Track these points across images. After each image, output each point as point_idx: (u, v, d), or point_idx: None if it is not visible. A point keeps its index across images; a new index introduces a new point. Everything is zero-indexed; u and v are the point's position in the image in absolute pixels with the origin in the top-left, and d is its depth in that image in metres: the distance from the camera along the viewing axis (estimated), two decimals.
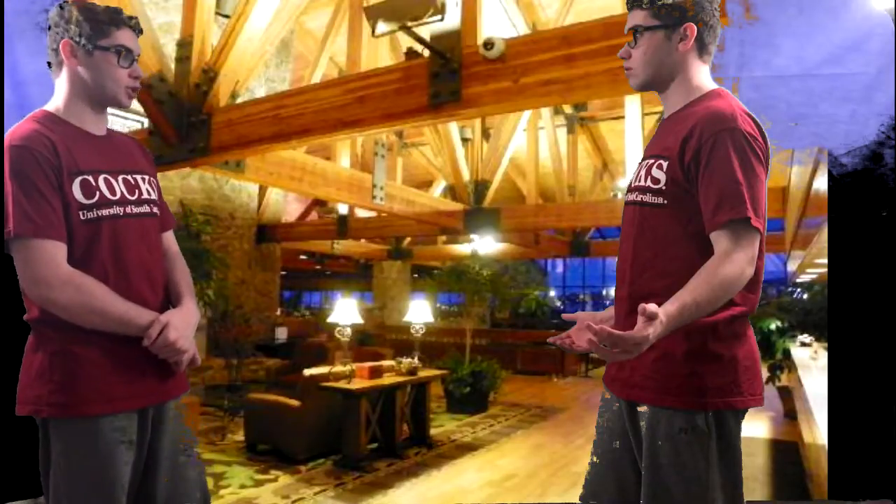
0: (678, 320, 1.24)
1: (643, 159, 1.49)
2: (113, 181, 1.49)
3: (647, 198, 1.43)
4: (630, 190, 1.51)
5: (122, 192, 1.50)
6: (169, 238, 1.66)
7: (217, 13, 5.27)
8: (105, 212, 1.46)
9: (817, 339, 6.09)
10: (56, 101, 1.51)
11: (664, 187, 1.40)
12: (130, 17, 1.53)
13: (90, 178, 1.45)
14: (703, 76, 1.47)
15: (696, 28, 1.42)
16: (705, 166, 1.33)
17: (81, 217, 1.42)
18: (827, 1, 2.61)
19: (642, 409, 1.41)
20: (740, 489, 1.39)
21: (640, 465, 1.42)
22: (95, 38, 1.47)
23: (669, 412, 1.36)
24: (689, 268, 1.31)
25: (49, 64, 1.52)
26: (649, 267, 1.42)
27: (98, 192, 1.45)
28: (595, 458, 1.55)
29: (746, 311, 1.39)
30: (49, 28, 1.50)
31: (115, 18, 1.49)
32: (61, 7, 1.48)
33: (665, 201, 1.40)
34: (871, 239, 2.67)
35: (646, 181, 1.44)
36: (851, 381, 2.73)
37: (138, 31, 1.54)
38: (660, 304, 1.23)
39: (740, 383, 1.37)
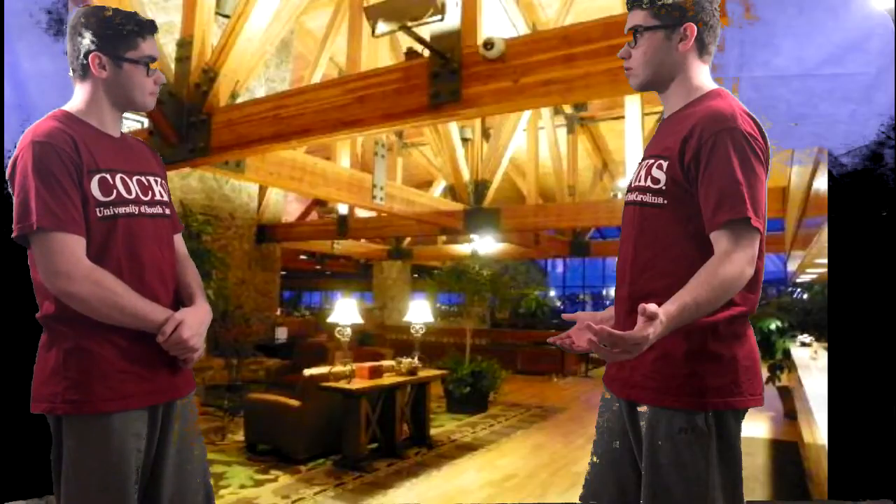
0: (678, 320, 1.24)
1: (643, 159, 1.50)
2: (129, 181, 1.52)
3: (647, 198, 1.43)
4: (630, 190, 1.51)
5: (137, 192, 1.53)
6: (178, 240, 1.70)
7: (217, 13, 5.27)
8: (121, 210, 1.48)
9: (817, 339, 6.09)
10: (75, 103, 1.53)
11: (664, 187, 1.40)
12: (152, 24, 1.55)
13: (108, 177, 1.48)
14: (703, 76, 1.47)
15: (696, 28, 1.42)
16: (705, 166, 1.33)
17: (98, 214, 1.45)
18: (827, 1, 2.61)
19: (642, 408, 1.41)
20: (740, 489, 1.39)
21: (640, 465, 1.42)
22: (125, 50, 1.50)
23: (669, 412, 1.36)
24: (689, 268, 1.31)
25: (73, 70, 1.53)
26: (649, 267, 1.42)
27: (115, 191, 1.48)
28: (595, 458, 1.55)
29: (746, 311, 1.39)
30: (69, 34, 1.51)
31: (142, 29, 1.52)
32: (85, 16, 1.49)
33: (665, 201, 1.40)
34: (871, 239, 2.67)
35: (646, 181, 1.44)
36: (851, 381, 2.73)
37: (156, 31, 1.57)
38: (660, 304, 1.23)
39: (740, 383, 1.37)
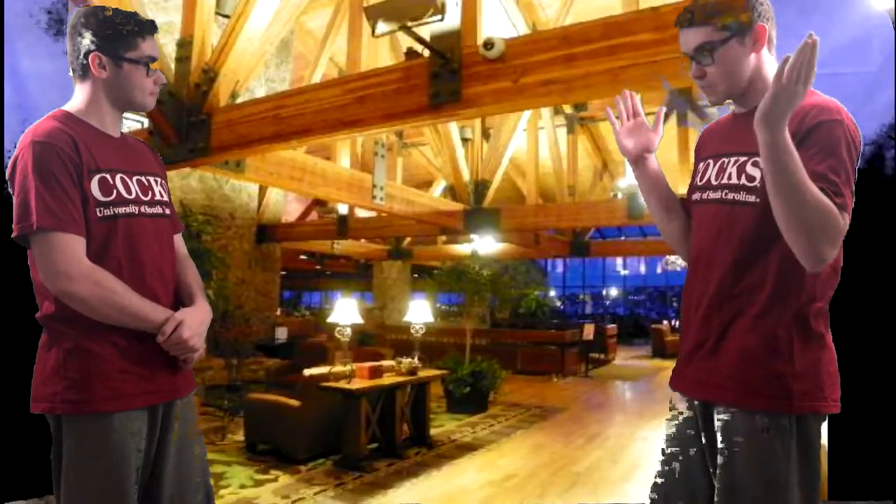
0: (781, 147, 1.19)
1: (723, 155, 1.45)
2: (129, 181, 1.53)
3: (740, 196, 1.39)
4: (708, 188, 1.47)
5: (136, 192, 1.53)
6: (179, 240, 1.70)
7: (217, 13, 5.26)
8: (121, 210, 1.49)
9: None
10: (75, 103, 1.54)
11: (759, 185, 1.36)
12: (152, 24, 1.55)
13: (108, 177, 1.48)
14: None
15: (765, 27, 1.39)
16: (807, 142, 1.29)
17: (98, 214, 1.45)
18: (827, 1, 2.61)
19: (721, 408, 1.39)
20: (817, 490, 1.37)
21: (712, 467, 1.41)
22: (124, 50, 1.51)
23: (752, 412, 1.35)
24: (780, 265, 1.31)
25: (72, 70, 1.54)
26: (740, 265, 1.39)
27: (115, 191, 1.49)
28: (664, 460, 1.53)
29: (826, 308, 1.38)
30: (69, 33, 1.51)
31: (142, 29, 1.52)
32: (85, 16, 1.49)
33: (758, 199, 1.36)
34: (872, 238, 2.67)
35: (739, 179, 1.40)
36: (851, 381, 2.73)
37: (156, 31, 1.57)
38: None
39: (824, 388, 1.36)
